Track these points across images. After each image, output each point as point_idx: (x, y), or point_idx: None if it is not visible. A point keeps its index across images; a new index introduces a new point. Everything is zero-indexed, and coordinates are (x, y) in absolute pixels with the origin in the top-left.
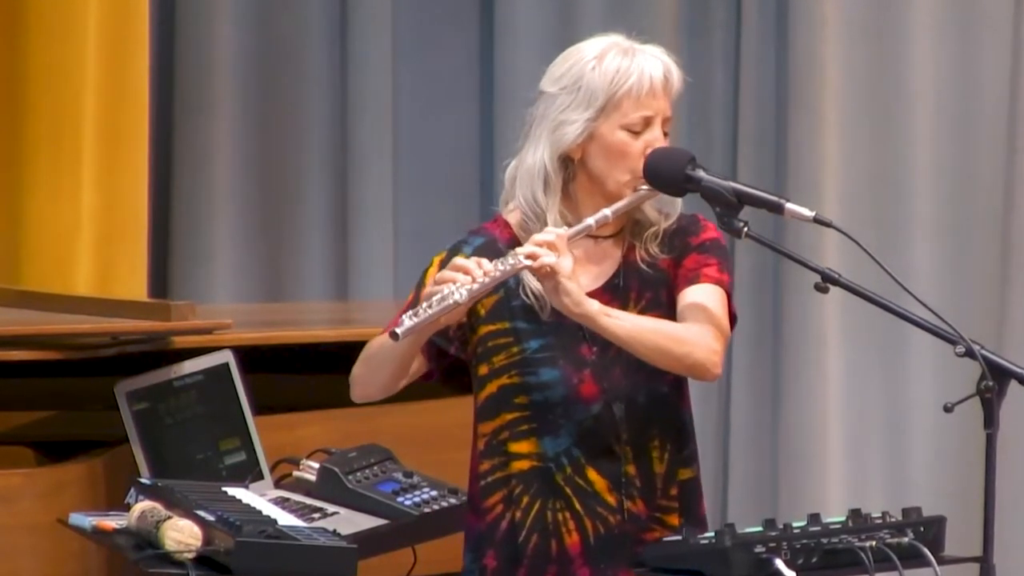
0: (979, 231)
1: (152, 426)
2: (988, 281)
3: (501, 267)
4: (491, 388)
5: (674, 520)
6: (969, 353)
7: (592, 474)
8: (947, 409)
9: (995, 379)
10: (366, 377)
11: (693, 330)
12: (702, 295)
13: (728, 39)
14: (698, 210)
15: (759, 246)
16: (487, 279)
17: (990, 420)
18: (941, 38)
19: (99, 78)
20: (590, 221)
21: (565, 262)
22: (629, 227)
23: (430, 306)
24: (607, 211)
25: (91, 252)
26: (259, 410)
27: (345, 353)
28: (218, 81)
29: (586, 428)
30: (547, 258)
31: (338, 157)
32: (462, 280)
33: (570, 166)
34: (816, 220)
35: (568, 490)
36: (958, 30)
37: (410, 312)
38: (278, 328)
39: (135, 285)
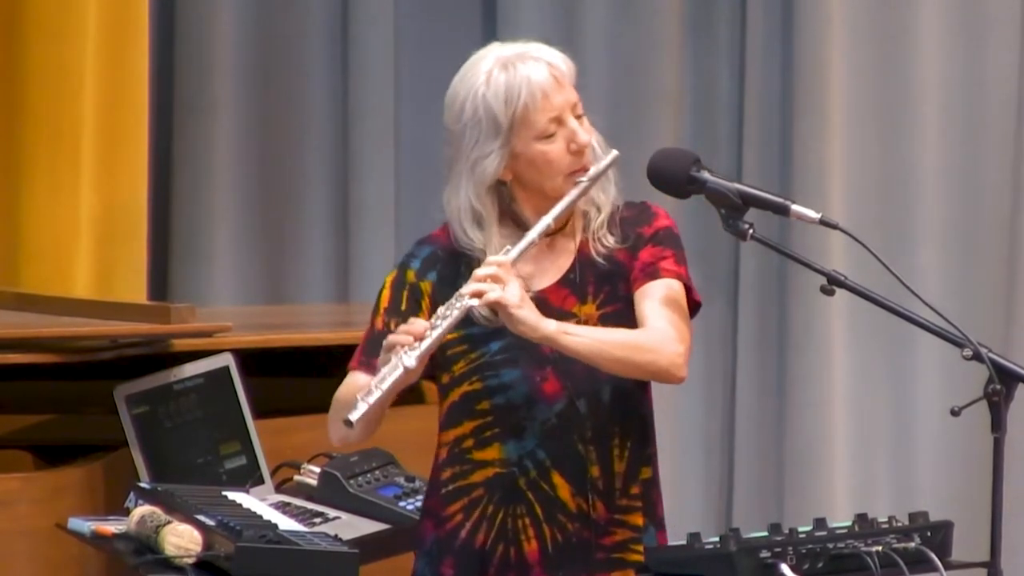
0: (986, 233)
1: (152, 430)
2: (995, 283)
3: (448, 313)
4: (453, 396)
5: (637, 519)
6: (976, 356)
7: (556, 478)
8: (954, 413)
9: (1002, 382)
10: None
11: (654, 335)
12: (662, 293)
13: (733, 39)
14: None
15: (764, 248)
16: (435, 332)
17: (997, 424)
18: (947, 39)
19: (99, 78)
20: (533, 236)
21: (511, 292)
22: (576, 219)
23: (382, 380)
24: (548, 219)
25: (90, 254)
26: (260, 414)
27: (346, 356)
28: (218, 81)
29: (550, 427)
30: (492, 294)
31: (338, 157)
32: (406, 342)
33: (504, 188)
34: (822, 222)
35: (530, 495)
36: (964, 31)
37: (362, 394)
38: (279, 331)
39: (134, 287)
